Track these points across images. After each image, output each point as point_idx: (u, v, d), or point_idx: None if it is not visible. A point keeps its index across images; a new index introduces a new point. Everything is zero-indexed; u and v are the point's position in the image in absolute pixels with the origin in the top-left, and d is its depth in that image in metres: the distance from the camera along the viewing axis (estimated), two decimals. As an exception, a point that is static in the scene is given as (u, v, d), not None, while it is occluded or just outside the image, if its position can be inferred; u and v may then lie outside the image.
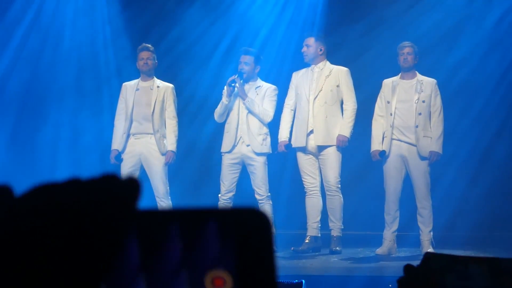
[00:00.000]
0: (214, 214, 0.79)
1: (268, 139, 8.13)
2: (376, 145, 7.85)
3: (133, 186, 0.77)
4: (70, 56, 9.73)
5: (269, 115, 8.10)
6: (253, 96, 8.10)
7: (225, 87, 8.12)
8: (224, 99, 8.12)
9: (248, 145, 8.07)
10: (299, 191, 8.28)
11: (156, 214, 0.80)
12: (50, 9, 9.78)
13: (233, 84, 8.06)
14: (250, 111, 8.08)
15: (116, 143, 8.17)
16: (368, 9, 9.67)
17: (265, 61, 8.52)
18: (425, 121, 7.71)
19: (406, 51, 7.83)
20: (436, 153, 7.67)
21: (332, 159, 7.94)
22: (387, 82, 7.91)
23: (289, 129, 8.13)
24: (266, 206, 8.07)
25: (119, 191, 0.76)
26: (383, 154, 7.79)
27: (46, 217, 0.73)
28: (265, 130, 8.13)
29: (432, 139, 7.69)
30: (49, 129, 9.62)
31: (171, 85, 8.24)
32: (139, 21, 9.93)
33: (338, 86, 8.00)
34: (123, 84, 8.33)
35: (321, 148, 7.98)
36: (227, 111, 8.16)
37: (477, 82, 9.30)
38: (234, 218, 0.78)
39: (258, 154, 8.06)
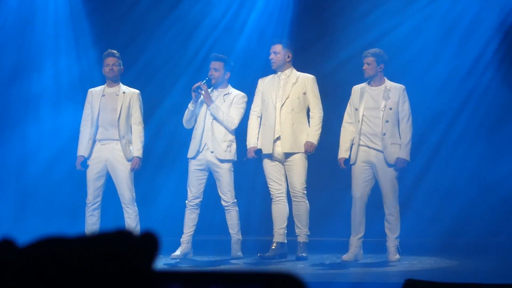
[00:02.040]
0: (251, 278, 0.75)
1: (234, 146, 8.11)
2: (342, 152, 7.84)
3: (150, 243, 0.70)
4: (33, 63, 9.56)
5: (233, 123, 8.07)
6: (220, 103, 8.08)
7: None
8: (190, 105, 8.11)
9: (212, 152, 8.05)
10: (266, 198, 8.27)
11: (195, 276, 0.74)
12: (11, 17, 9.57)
13: (198, 91, 8.04)
14: (214, 118, 8.06)
15: (82, 149, 8.11)
16: (336, 15, 9.67)
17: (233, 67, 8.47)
18: (392, 128, 7.70)
19: (366, 61, 7.80)
20: (403, 160, 7.63)
21: (299, 165, 7.94)
22: (356, 89, 7.90)
23: (257, 135, 8.11)
24: (232, 213, 8.06)
25: (134, 247, 0.69)
26: (347, 162, 7.79)
27: (53, 269, 0.68)
28: (231, 137, 8.11)
29: (400, 146, 7.69)
30: (16, 138, 9.44)
31: (137, 91, 8.20)
32: (105, 27, 9.85)
33: (304, 93, 8.01)
34: (89, 90, 8.27)
35: (287, 155, 7.97)
36: (195, 117, 8.14)
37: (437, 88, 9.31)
38: (271, 282, 0.74)
39: (222, 161, 8.04)
